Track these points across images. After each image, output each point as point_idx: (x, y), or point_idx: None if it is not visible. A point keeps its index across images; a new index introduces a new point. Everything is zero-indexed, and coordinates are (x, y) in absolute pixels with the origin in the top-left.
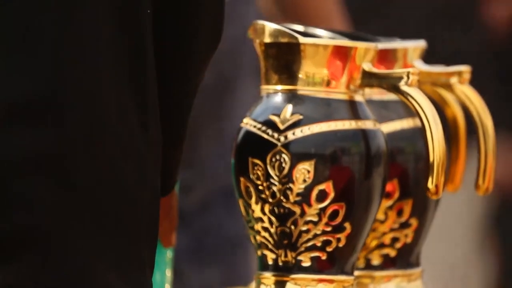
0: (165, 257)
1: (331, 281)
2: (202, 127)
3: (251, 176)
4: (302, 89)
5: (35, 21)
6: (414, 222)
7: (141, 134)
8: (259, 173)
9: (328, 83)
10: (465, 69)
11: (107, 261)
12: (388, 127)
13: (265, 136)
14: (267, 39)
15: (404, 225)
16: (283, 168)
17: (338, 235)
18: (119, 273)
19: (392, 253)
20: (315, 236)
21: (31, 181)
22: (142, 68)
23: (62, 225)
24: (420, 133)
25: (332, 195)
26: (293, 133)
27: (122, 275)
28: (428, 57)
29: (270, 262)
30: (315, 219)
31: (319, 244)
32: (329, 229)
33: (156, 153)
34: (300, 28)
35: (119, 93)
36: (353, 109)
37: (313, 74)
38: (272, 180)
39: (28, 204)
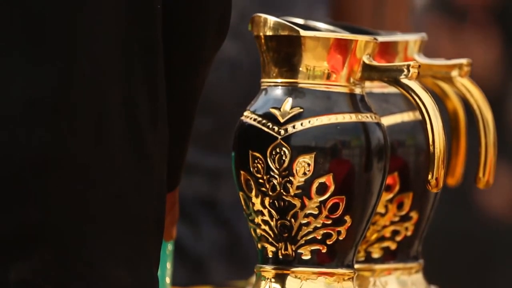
0: (166, 250)
1: (331, 274)
2: None
3: (252, 169)
4: (303, 82)
5: (45, 11)
6: (414, 215)
7: (150, 130)
8: (259, 166)
9: (328, 76)
10: (465, 62)
11: (117, 256)
12: (389, 120)
13: (265, 129)
14: (268, 32)
15: (405, 218)
16: (284, 161)
17: (338, 228)
18: (128, 268)
19: (393, 246)
20: (315, 229)
21: (45, 178)
22: (154, 63)
23: (74, 221)
24: (420, 126)
25: (332, 188)
26: (293, 126)
27: (132, 270)
28: None
29: (270, 255)
30: (315, 212)
31: (319, 237)
32: (329, 222)
33: (163, 149)
34: (300, 21)
35: (130, 88)
36: (353, 102)
37: (314, 67)
38: (272, 173)
39: (41, 201)
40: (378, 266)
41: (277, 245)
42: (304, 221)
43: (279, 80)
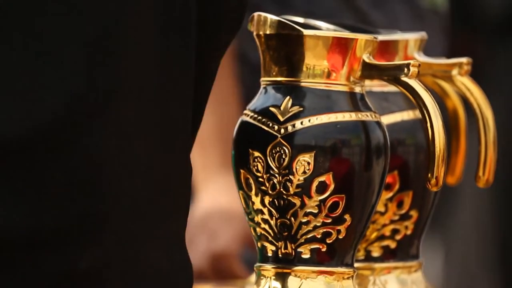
0: None
1: (331, 273)
2: None
3: (251, 168)
4: (302, 81)
5: None
6: (414, 214)
7: (182, 122)
8: (259, 165)
9: (328, 75)
10: (465, 60)
11: (158, 243)
12: (389, 118)
13: (265, 128)
14: (268, 31)
15: (404, 217)
16: (283, 160)
17: (338, 227)
18: (167, 254)
19: (392, 245)
20: (315, 227)
21: (100, 168)
22: (188, 49)
23: (127, 209)
24: (420, 125)
25: (332, 186)
26: (293, 125)
27: (170, 256)
28: None
29: (270, 254)
30: (315, 210)
31: (319, 236)
32: (329, 220)
33: (188, 132)
34: (300, 20)
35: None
36: (353, 101)
37: (314, 66)
38: (272, 172)
39: (103, 191)
40: (378, 265)
41: (277, 244)
42: (304, 220)
43: (279, 78)
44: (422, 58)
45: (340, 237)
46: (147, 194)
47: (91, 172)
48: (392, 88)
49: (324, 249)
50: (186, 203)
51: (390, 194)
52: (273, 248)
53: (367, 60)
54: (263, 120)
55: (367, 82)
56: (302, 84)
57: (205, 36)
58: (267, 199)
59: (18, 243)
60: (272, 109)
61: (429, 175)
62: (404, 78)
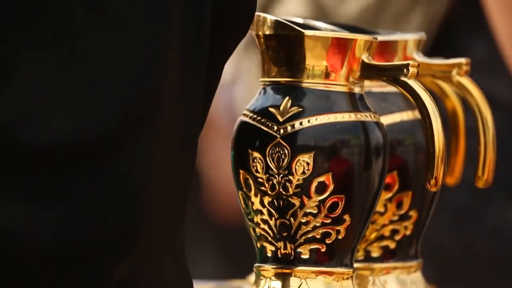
0: None
1: (330, 273)
2: None
3: (251, 168)
4: (302, 81)
5: None
6: (413, 214)
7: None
8: (258, 165)
9: (327, 75)
10: (464, 61)
11: (173, 256)
12: (388, 119)
13: (264, 128)
14: (267, 31)
15: (404, 217)
16: (283, 160)
17: (338, 227)
18: (177, 266)
19: (392, 245)
20: (315, 228)
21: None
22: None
23: (149, 222)
24: (419, 125)
25: (331, 187)
26: (293, 126)
27: (179, 268)
28: None
29: (270, 254)
30: (314, 211)
31: (318, 236)
32: (328, 221)
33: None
34: (299, 20)
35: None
36: (352, 102)
37: (313, 66)
38: (271, 172)
39: (128, 205)
40: (377, 265)
41: (276, 244)
42: (303, 220)
43: (278, 79)
44: (421, 58)
45: (340, 237)
46: (168, 207)
47: (124, 185)
48: (391, 88)
49: (323, 250)
50: (185, 215)
51: (390, 195)
52: (273, 248)
53: (366, 61)
54: (262, 120)
55: (367, 83)
56: (302, 84)
57: (214, 44)
58: (266, 200)
59: (55, 257)
60: (271, 109)
61: (429, 175)
62: (403, 79)
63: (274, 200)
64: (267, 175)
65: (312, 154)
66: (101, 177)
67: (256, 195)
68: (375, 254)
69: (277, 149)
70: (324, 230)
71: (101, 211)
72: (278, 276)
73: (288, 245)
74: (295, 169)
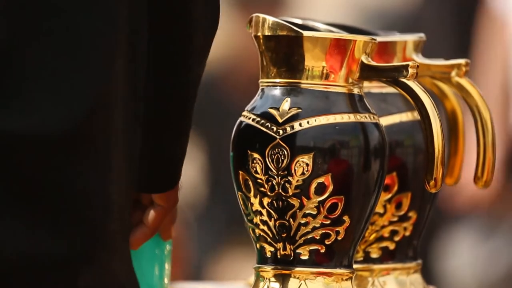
0: (164, 250)
1: (329, 274)
2: None
3: (250, 169)
4: (301, 82)
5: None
6: (413, 215)
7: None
8: (257, 166)
9: (327, 76)
10: (463, 62)
11: (127, 260)
12: (387, 120)
13: (264, 129)
14: (266, 32)
15: (403, 218)
16: (282, 161)
17: (337, 228)
18: (129, 268)
19: (391, 246)
20: (314, 229)
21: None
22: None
23: (110, 228)
24: (419, 126)
25: (331, 188)
26: (292, 126)
27: (129, 269)
28: None
29: (269, 255)
30: (314, 212)
31: (317, 237)
32: (328, 222)
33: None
34: (298, 21)
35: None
36: (352, 102)
37: (312, 67)
38: (271, 173)
39: (92, 222)
40: (376, 266)
41: (275, 245)
42: (302, 221)
43: (278, 80)
44: (420, 59)
45: (339, 238)
46: (125, 215)
47: (85, 199)
48: (390, 89)
49: (323, 251)
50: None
51: (389, 196)
52: (272, 249)
53: (365, 62)
54: (262, 121)
55: (366, 84)
56: (301, 85)
57: (176, 46)
58: (266, 201)
59: (22, 267)
60: (270, 110)
61: (428, 176)
62: (402, 80)
63: (274, 201)
64: (267, 176)
65: (312, 155)
66: (62, 197)
67: (255, 196)
68: (374, 255)
69: (276, 150)
70: (323, 231)
71: (64, 221)
72: (277, 277)
73: (288, 246)
74: (295, 170)
